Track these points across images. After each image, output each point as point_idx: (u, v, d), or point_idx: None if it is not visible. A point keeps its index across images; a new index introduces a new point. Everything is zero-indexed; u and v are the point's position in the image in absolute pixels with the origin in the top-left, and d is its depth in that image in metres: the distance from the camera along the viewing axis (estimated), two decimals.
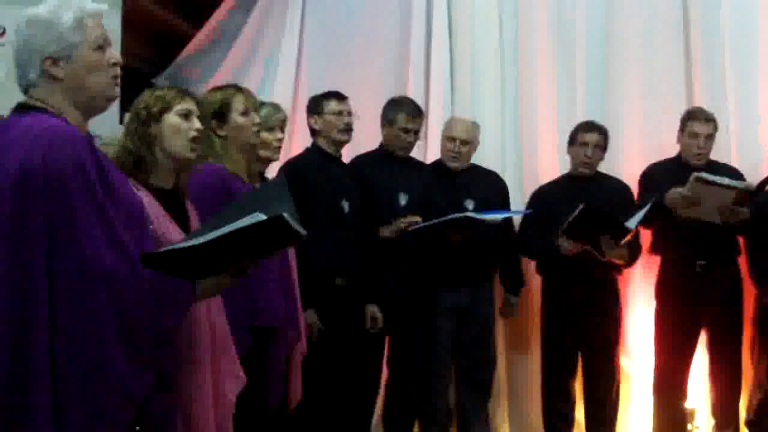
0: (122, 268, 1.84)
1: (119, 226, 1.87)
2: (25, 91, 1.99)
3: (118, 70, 2.02)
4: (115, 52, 2.03)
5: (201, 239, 1.88)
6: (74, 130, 1.92)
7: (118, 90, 2.05)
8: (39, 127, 1.87)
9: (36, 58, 1.94)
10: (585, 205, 3.77)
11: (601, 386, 4.24)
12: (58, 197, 1.81)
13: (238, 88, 2.94)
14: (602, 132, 4.28)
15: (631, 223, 3.82)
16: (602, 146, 4.28)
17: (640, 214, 3.84)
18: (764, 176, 3.96)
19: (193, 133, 2.37)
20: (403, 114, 4.20)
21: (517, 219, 4.45)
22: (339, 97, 3.99)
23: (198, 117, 2.42)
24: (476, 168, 4.42)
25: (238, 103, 2.88)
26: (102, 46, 1.99)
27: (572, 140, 4.31)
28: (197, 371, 2.25)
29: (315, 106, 4.02)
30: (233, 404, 2.45)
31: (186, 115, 2.38)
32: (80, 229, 1.81)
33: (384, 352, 4.22)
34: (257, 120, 2.95)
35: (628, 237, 3.93)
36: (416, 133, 4.25)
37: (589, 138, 4.24)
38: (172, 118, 2.36)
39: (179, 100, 2.38)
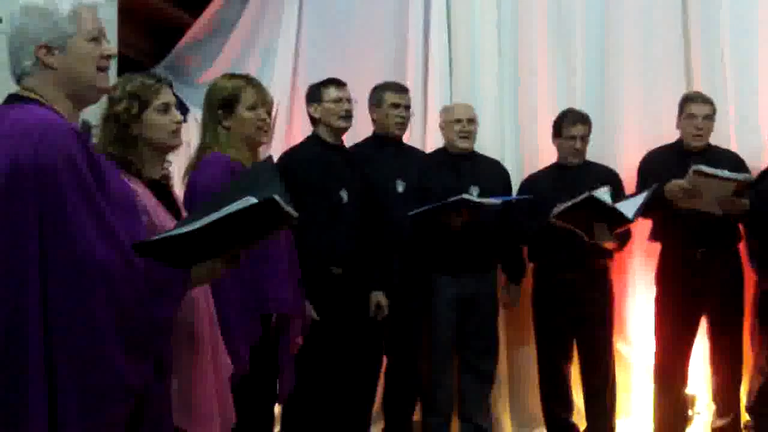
0: (116, 260, 1.83)
1: (111, 218, 1.86)
2: (18, 80, 1.98)
3: (111, 63, 2.02)
4: (109, 45, 2.02)
5: (193, 225, 1.87)
6: (65, 122, 1.91)
7: (110, 82, 2.05)
8: (29, 119, 1.86)
9: (30, 46, 1.93)
10: (589, 195, 3.76)
11: (597, 372, 4.23)
12: (50, 191, 1.80)
13: (249, 81, 2.93)
14: (586, 121, 4.27)
15: (631, 213, 3.79)
16: (588, 135, 4.27)
17: (638, 203, 3.81)
18: (764, 162, 3.95)
19: (174, 126, 2.37)
20: (389, 91, 4.23)
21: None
22: (338, 83, 3.97)
23: (175, 106, 2.41)
24: (478, 156, 4.41)
25: (247, 97, 2.87)
26: (97, 38, 1.99)
27: (557, 132, 4.29)
28: (200, 359, 2.25)
29: (314, 94, 4.00)
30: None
31: (165, 110, 2.36)
32: (73, 223, 1.81)
33: (382, 341, 4.20)
34: (263, 116, 2.94)
35: (625, 226, 3.91)
36: (407, 108, 4.25)
37: (576, 131, 4.23)
38: (152, 117, 2.34)
39: (156, 95, 2.35)
